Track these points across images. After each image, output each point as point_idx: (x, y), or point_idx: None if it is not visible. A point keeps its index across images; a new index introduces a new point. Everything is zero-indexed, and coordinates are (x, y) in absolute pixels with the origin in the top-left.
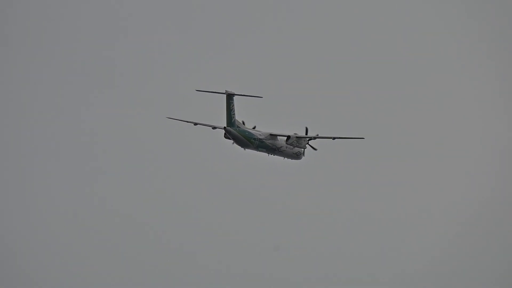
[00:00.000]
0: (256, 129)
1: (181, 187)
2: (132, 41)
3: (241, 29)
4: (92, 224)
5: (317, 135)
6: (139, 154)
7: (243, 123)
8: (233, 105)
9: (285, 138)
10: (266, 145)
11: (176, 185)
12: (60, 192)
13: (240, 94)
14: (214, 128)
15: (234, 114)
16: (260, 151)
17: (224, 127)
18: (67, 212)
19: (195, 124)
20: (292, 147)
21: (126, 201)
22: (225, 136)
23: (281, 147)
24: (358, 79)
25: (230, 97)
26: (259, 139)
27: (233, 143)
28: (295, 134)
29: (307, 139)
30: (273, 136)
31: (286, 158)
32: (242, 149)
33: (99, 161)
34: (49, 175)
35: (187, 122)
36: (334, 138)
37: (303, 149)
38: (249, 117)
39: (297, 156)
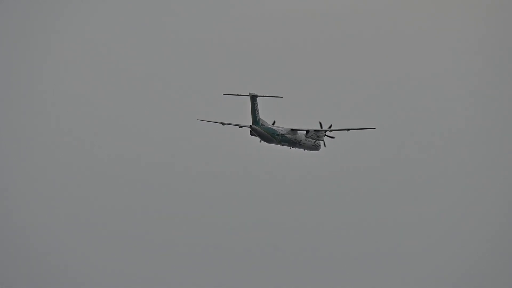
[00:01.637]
0: (275, 124)
1: (214, 183)
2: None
3: (255, 36)
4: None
5: (331, 126)
6: (177, 153)
7: (263, 120)
8: (257, 106)
9: (305, 132)
10: (288, 139)
11: (208, 181)
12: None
13: (262, 95)
14: (240, 127)
15: (258, 113)
16: (283, 145)
17: (250, 126)
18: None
19: (224, 124)
20: (311, 140)
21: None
22: (251, 134)
23: (301, 140)
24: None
25: (254, 98)
26: (282, 134)
27: (260, 141)
28: (313, 128)
29: (324, 131)
30: (294, 131)
31: (306, 150)
32: (267, 143)
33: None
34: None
35: (217, 122)
36: (348, 130)
37: (322, 141)
38: (269, 114)
39: (316, 147)
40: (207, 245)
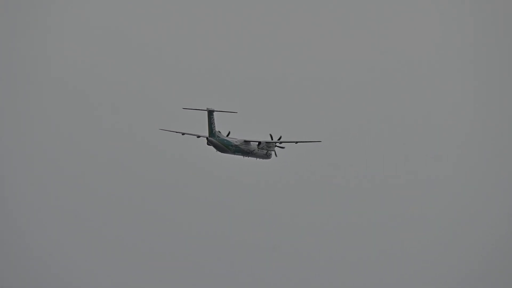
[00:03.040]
0: (230, 135)
1: (174, 188)
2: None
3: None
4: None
5: (280, 137)
6: (139, 159)
7: (219, 132)
8: (213, 119)
9: (257, 143)
10: (241, 149)
11: (170, 185)
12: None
13: (218, 110)
14: (198, 137)
15: (214, 126)
16: (236, 154)
17: (206, 137)
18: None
19: (183, 134)
20: (263, 150)
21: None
22: (208, 144)
23: (254, 150)
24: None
25: (210, 113)
26: (236, 145)
27: (216, 150)
28: (264, 140)
29: (274, 143)
30: (247, 142)
31: (258, 159)
32: (222, 153)
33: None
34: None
35: (176, 132)
36: (296, 142)
37: (273, 151)
38: (225, 126)
39: (267, 156)
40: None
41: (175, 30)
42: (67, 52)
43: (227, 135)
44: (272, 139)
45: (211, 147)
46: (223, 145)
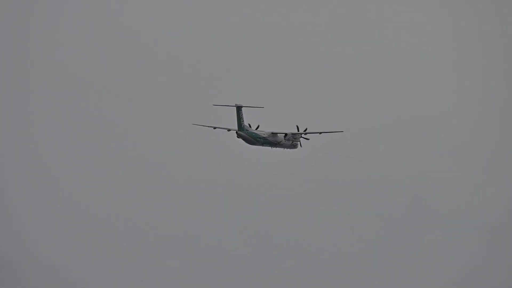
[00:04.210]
0: (259, 128)
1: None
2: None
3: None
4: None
5: (306, 129)
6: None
7: (249, 125)
8: (241, 114)
9: (283, 135)
10: (269, 141)
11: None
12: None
13: (246, 105)
14: (228, 130)
15: (243, 120)
16: (264, 146)
17: (236, 131)
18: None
19: (214, 128)
20: (289, 141)
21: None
22: (237, 137)
23: (281, 141)
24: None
25: (239, 108)
26: (263, 137)
27: (245, 143)
28: (290, 131)
29: (300, 134)
30: (274, 134)
31: (285, 149)
32: (251, 145)
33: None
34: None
35: (208, 126)
36: (320, 133)
37: (299, 142)
38: (255, 120)
39: (294, 146)
40: (203, 242)
41: (196, 31)
42: (95, 44)
43: (256, 129)
44: (298, 130)
45: (241, 140)
46: (251, 138)
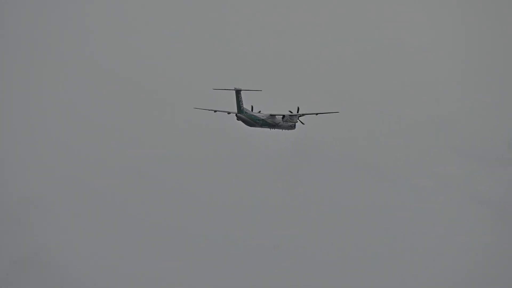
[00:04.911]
0: (254, 109)
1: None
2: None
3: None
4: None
5: (299, 111)
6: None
7: (252, 107)
8: (241, 97)
9: (281, 116)
10: (267, 123)
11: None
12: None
13: (245, 89)
14: (228, 113)
15: (242, 103)
16: (263, 127)
17: (236, 114)
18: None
19: (215, 111)
20: (287, 122)
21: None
22: (237, 119)
23: (279, 123)
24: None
25: (238, 92)
26: (262, 119)
27: (245, 125)
28: (288, 113)
29: (297, 116)
30: (272, 116)
31: (283, 130)
32: (250, 127)
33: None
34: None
35: (209, 110)
36: (317, 114)
37: (296, 122)
38: (255, 102)
39: (292, 127)
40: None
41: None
42: (96, 35)
43: (251, 109)
44: (298, 111)
45: (240, 122)
46: (251, 120)
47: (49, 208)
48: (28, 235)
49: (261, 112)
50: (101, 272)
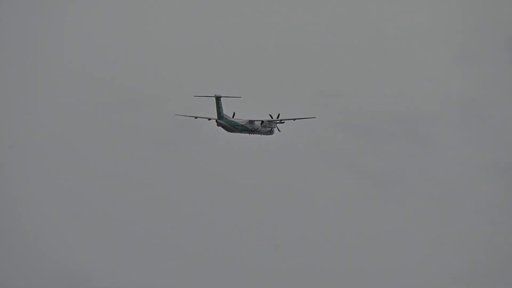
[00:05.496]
0: (236, 116)
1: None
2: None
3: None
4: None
5: (279, 116)
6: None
7: (234, 113)
8: (221, 104)
9: (260, 122)
10: (247, 128)
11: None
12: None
13: (225, 96)
14: (209, 119)
15: (222, 110)
16: (243, 133)
17: (216, 120)
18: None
19: (196, 117)
20: (266, 128)
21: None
22: (217, 125)
23: (258, 128)
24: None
25: (218, 99)
26: (242, 125)
27: (225, 130)
28: (267, 119)
29: (275, 121)
30: (252, 121)
31: (262, 135)
32: (230, 133)
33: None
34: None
35: (190, 116)
36: (294, 119)
37: (275, 128)
38: (233, 108)
39: (270, 133)
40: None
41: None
42: (80, 40)
43: (233, 116)
44: (272, 118)
45: (220, 128)
46: (230, 126)
47: (47, 209)
48: (27, 235)
49: (239, 118)
50: (101, 272)
